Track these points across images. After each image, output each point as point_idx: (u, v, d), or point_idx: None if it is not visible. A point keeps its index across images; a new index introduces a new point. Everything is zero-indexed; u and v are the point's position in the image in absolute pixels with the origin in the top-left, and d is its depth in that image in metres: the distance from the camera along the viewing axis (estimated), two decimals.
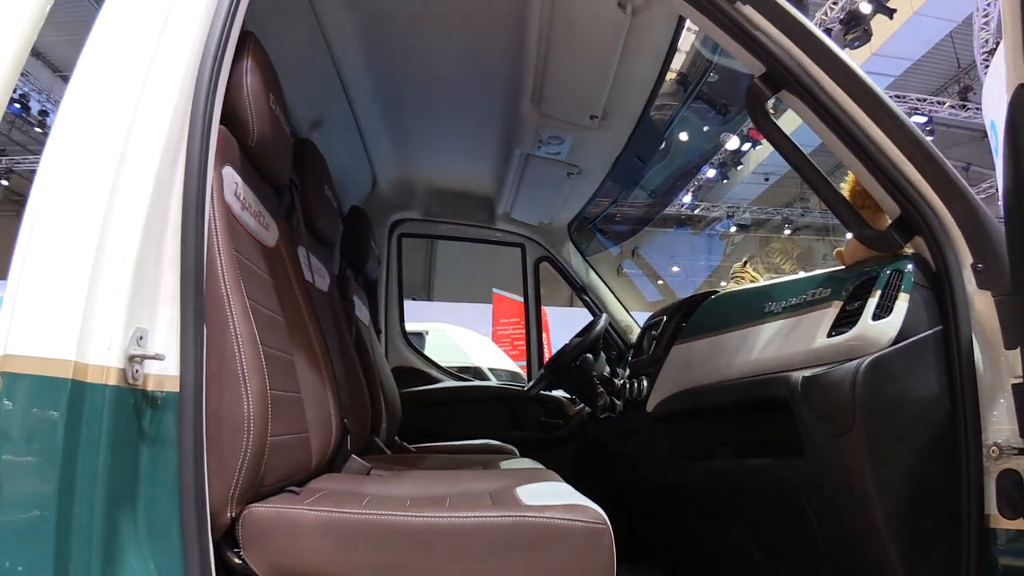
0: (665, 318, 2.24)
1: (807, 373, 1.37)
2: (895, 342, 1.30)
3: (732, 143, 12.85)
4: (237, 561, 1.14)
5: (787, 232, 17.54)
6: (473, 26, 2.21)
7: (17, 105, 11.02)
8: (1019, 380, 1.18)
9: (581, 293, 3.44)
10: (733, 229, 17.34)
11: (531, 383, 2.97)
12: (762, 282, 2.11)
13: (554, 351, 2.79)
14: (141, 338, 1.08)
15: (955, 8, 9.46)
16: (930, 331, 1.31)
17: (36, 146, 12.23)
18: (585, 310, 3.42)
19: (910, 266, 1.36)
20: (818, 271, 1.60)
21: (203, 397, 1.10)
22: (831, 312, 1.44)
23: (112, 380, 1.04)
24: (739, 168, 14.67)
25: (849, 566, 1.41)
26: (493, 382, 7.08)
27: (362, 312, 2.80)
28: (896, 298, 1.33)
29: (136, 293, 1.08)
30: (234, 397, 1.17)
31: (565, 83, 2.30)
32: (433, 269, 16.30)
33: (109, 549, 1.01)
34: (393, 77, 2.50)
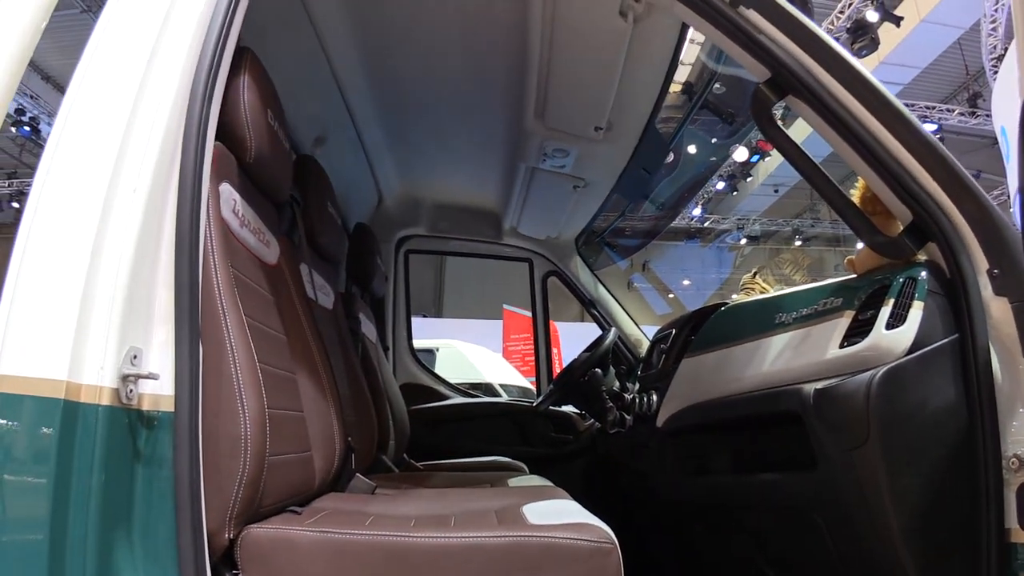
0: (674, 331, 2.20)
1: (819, 385, 1.33)
2: (910, 352, 1.26)
3: (741, 155, 12.81)
4: None
5: (797, 243, 17.45)
6: (474, 40, 2.20)
7: (27, 128, 11.13)
8: None
9: (590, 307, 3.41)
10: (743, 241, 17.28)
11: (540, 399, 2.94)
12: (772, 293, 2.08)
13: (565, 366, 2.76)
14: (135, 357, 1.06)
15: (962, 15, 9.42)
16: (946, 340, 1.27)
17: None
18: (596, 324, 3.39)
19: (924, 273, 1.32)
20: (829, 280, 1.56)
21: (199, 417, 1.08)
22: (843, 322, 1.40)
23: (105, 400, 1.02)
24: (748, 180, 14.63)
25: None
26: (504, 398, 7.06)
27: (369, 329, 2.79)
28: (910, 306, 1.29)
29: (130, 312, 1.07)
30: (231, 416, 1.14)
31: (568, 95, 2.28)
32: (443, 286, 16.30)
33: (104, 571, 0.99)
34: (395, 93, 2.50)
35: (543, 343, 3.60)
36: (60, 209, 1.08)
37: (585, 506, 1.42)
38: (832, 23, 9.41)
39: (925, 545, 1.23)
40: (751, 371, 1.64)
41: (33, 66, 10.74)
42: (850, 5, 9.29)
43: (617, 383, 2.61)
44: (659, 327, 2.55)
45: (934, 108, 11.79)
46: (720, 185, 14.46)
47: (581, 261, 3.45)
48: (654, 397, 2.16)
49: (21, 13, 1.18)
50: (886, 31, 9.22)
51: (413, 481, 2.20)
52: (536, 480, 2.12)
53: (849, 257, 1.56)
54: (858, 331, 1.36)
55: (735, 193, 15.12)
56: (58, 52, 9.45)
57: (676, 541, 2.28)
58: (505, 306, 12.01)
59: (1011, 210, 1.34)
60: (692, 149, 11.60)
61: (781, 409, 1.45)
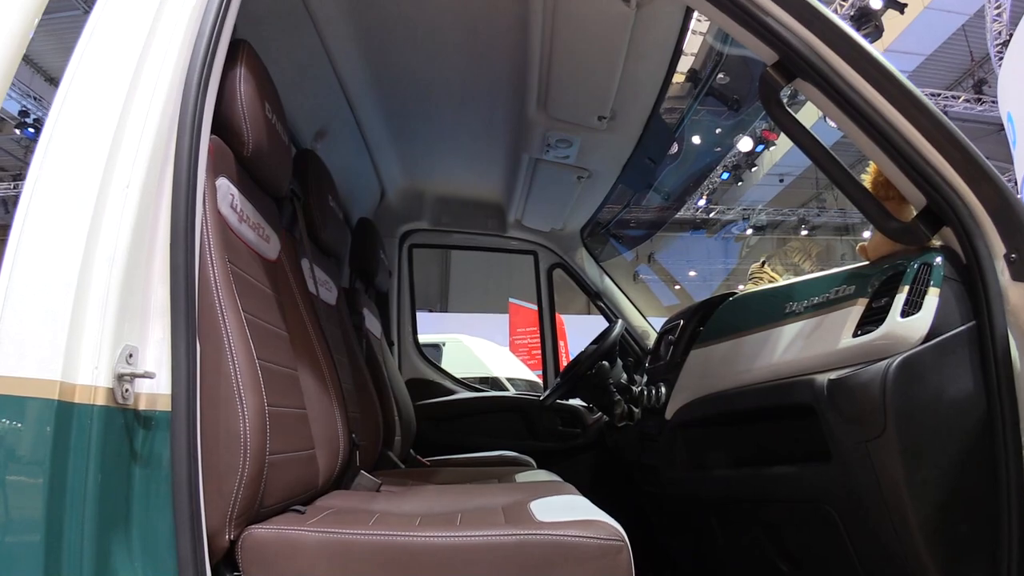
0: (682, 322, 2.17)
1: (833, 376, 1.30)
2: (926, 340, 1.22)
3: (746, 145, 12.74)
4: None
5: (804, 233, 17.35)
6: (475, 30, 2.16)
7: (31, 130, 11.12)
8: None
9: (596, 299, 3.37)
10: (749, 231, 17.19)
11: (547, 392, 2.91)
12: (781, 282, 2.04)
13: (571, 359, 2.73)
14: (131, 356, 1.04)
15: (967, 1, 9.34)
16: (963, 327, 1.23)
17: None
18: (603, 317, 3.36)
19: (939, 259, 1.28)
20: (841, 268, 1.52)
21: (197, 415, 1.05)
22: (856, 310, 1.37)
23: (100, 400, 1.00)
24: (753, 170, 14.55)
25: (882, 575, 1.34)
26: (511, 392, 7.03)
27: (373, 324, 2.76)
28: (925, 293, 1.25)
29: (125, 309, 1.05)
30: (229, 414, 1.12)
31: (571, 84, 2.24)
32: (449, 280, 16.28)
33: (101, 573, 0.97)
34: (395, 85, 2.46)
35: (549, 336, 3.57)
36: (52, 206, 1.06)
37: (594, 501, 1.40)
38: (836, 10, 9.33)
39: (944, 539, 1.20)
40: (761, 362, 1.61)
41: (36, 67, 10.76)
42: None
43: (624, 375, 2.58)
44: (666, 318, 2.52)
45: (939, 95, 11.71)
46: (725, 175, 14.39)
47: (587, 253, 3.41)
48: (662, 389, 2.13)
49: (12, 10, 1.16)
50: (890, 18, 9.15)
51: (419, 477, 2.18)
52: (543, 475, 2.09)
53: (861, 243, 1.52)
54: (872, 319, 1.33)
55: (740, 184, 15.04)
56: (62, 53, 9.43)
57: (687, 535, 2.25)
58: (511, 300, 11.98)
59: (1018, 196, 1.30)
60: (697, 138, 11.55)
61: (793, 400, 1.41)
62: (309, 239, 1.94)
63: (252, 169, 1.48)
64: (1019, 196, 1.30)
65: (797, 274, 1.70)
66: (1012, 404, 1.17)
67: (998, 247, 1.24)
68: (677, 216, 15.84)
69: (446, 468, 2.52)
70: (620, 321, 2.73)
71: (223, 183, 1.33)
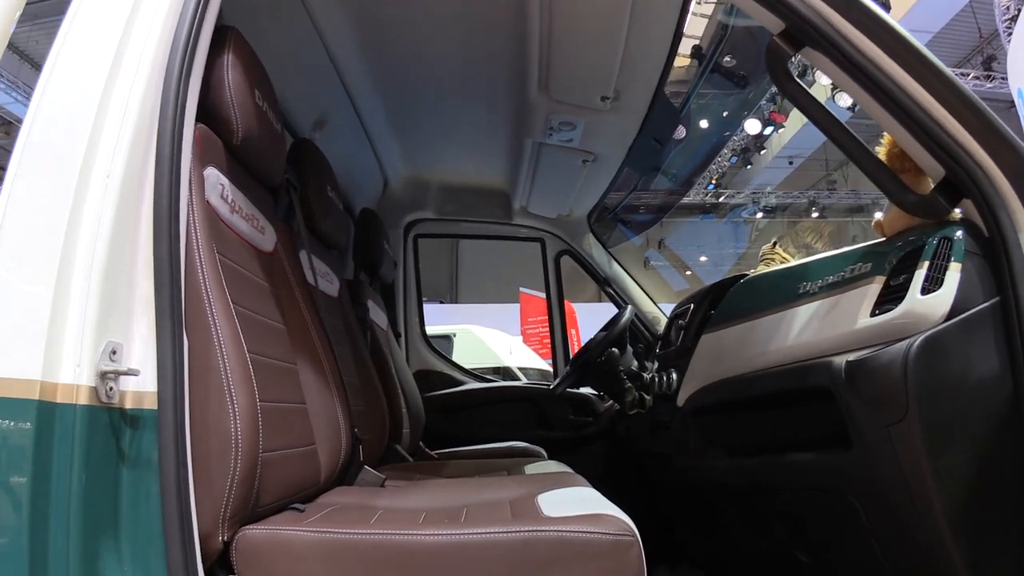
0: (692, 306, 2.11)
1: (851, 357, 1.24)
2: (948, 318, 1.16)
3: (754, 126, 12.60)
4: None
5: (814, 215, 17.17)
6: (471, 13, 2.10)
7: None
8: None
9: (604, 285, 3.32)
10: (759, 215, 17.04)
11: (557, 381, 2.86)
12: (793, 262, 1.98)
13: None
14: (114, 352, 1.00)
15: None
16: (987, 303, 1.17)
17: None
18: (612, 304, 3.30)
19: (960, 232, 1.22)
20: (856, 245, 1.46)
21: (185, 413, 1.01)
22: (873, 288, 1.31)
23: (83, 399, 0.96)
24: (762, 153, 14.41)
25: (906, 565, 1.28)
26: (523, 381, 6.99)
27: (378, 316, 2.72)
28: (946, 269, 1.19)
29: (107, 305, 1.01)
30: (219, 411, 1.07)
31: (572, 64, 2.17)
32: (458, 271, 16.24)
33: None
34: (393, 72, 2.41)
35: (558, 324, 3.52)
36: (30, 198, 1.02)
37: (605, 491, 1.35)
38: None
39: (970, 526, 1.14)
40: (775, 345, 1.55)
41: (35, 65, 10.72)
42: None
43: (635, 362, 2.53)
44: (676, 303, 2.46)
45: None
46: (734, 159, 14.25)
47: (594, 239, 3.35)
48: (674, 376, 2.08)
49: None
50: None
51: (426, 471, 2.14)
52: (553, 466, 2.04)
53: (877, 219, 1.46)
54: (890, 298, 1.26)
55: (749, 167, 14.90)
56: None
57: (700, 525, 2.20)
58: (521, 289, 11.92)
59: None
60: (705, 117, 11.42)
61: (810, 384, 1.36)
62: (307, 230, 1.90)
63: (244, 158, 1.43)
64: None
65: (810, 254, 1.64)
66: None
67: (1021, 218, 1.18)
68: (686, 201, 15.71)
69: (454, 461, 2.47)
70: (629, 307, 2.67)
71: (212, 173, 1.28)
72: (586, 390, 3.09)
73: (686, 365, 1.98)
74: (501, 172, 3.11)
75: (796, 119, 12.74)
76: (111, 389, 0.99)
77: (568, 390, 2.84)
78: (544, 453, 2.64)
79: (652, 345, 2.96)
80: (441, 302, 14.16)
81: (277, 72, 1.57)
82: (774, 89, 11.45)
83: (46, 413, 0.93)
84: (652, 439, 2.32)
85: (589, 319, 6.22)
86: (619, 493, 1.24)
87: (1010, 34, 8.34)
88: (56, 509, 0.92)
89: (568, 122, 2.46)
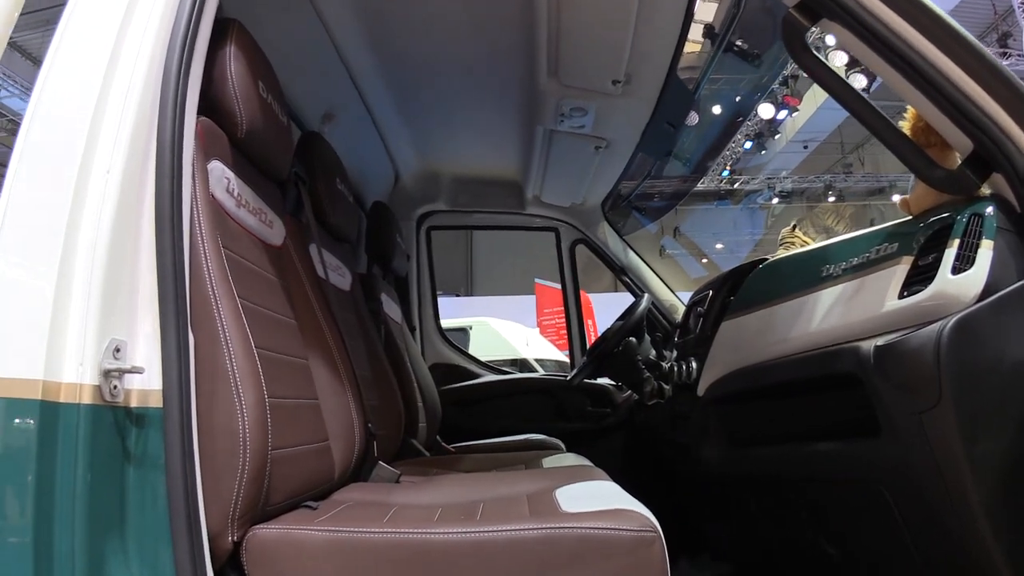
0: (711, 293, 2.06)
1: (879, 342, 1.19)
2: (981, 298, 1.11)
3: (767, 111, 12.44)
4: None
5: (831, 199, 16.93)
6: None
7: None
8: None
9: (620, 274, 3.28)
10: (775, 200, 16.85)
11: (574, 372, 2.82)
12: (814, 245, 1.93)
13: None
14: (118, 350, 0.97)
15: None
16: (1021, 282, 1.11)
17: None
18: (629, 293, 3.26)
19: (990, 208, 1.17)
20: (881, 225, 1.41)
21: (191, 411, 0.99)
22: (901, 269, 1.26)
23: (87, 399, 0.94)
24: (776, 137, 14.24)
25: (940, 559, 1.24)
26: (541, 373, 6.96)
27: (392, 310, 2.69)
28: (978, 247, 1.14)
29: (110, 302, 0.98)
30: (226, 409, 1.05)
31: (582, 48, 2.12)
32: (473, 264, 16.19)
33: None
34: (400, 62, 2.37)
35: (575, 314, 3.48)
36: (30, 195, 1.00)
37: (625, 483, 1.31)
38: None
39: (1009, 517, 1.09)
40: (798, 330, 1.50)
41: (38, 63, 10.77)
42: None
43: (653, 351, 2.49)
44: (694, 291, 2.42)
45: None
46: (748, 144, 14.09)
47: (609, 227, 3.31)
48: (693, 364, 2.03)
49: None
50: None
51: (443, 465, 2.11)
52: (572, 459, 2.00)
53: (903, 196, 1.41)
54: (919, 278, 1.22)
55: (764, 152, 14.73)
56: None
57: (723, 517, 2.16)
58: (537, 280, 11.88)
59: None
60: (719, 98, 11.28)
61: (836, 370, 1.31)
62: (317, 224, 1.87)
63: (249, 152, 1.41)
64: None
65: (830, 238, 1.59)
66: None
67: None
68: (700, 188, 15.55)
69: (471, 455, 2.44)
70: (646, 295, 2.63)
71: (216, 166, 1.25)
72: (603, 381, 3.05)
73: (706, 353, 1.94)
74: (513, 161, 3.07)
75: (810, 102, 12.58)
76: (115, 387, 0.96)
77: (585, 381, 2.80)
78: (562, 445, 2.61)
79: (670, 334, 2.92)
80: (457, 295, 14.14)
81: (282, 65, 1.54)
82: (787, 72, 11.32)
83: (49, 413, 0.91)
84: (672, 429, 2.28)
85: (605, 309, 6.18)
86: (638, 484, 1.20)
87: None
88: (61, 510, 0.90)
89: (579, 108, 2.41)
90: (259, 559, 1.03)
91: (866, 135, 14.97)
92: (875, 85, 9.65)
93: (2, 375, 0.91)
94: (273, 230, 1.51)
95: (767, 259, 1.87)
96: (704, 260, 17.43)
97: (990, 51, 1.20)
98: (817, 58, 1.30)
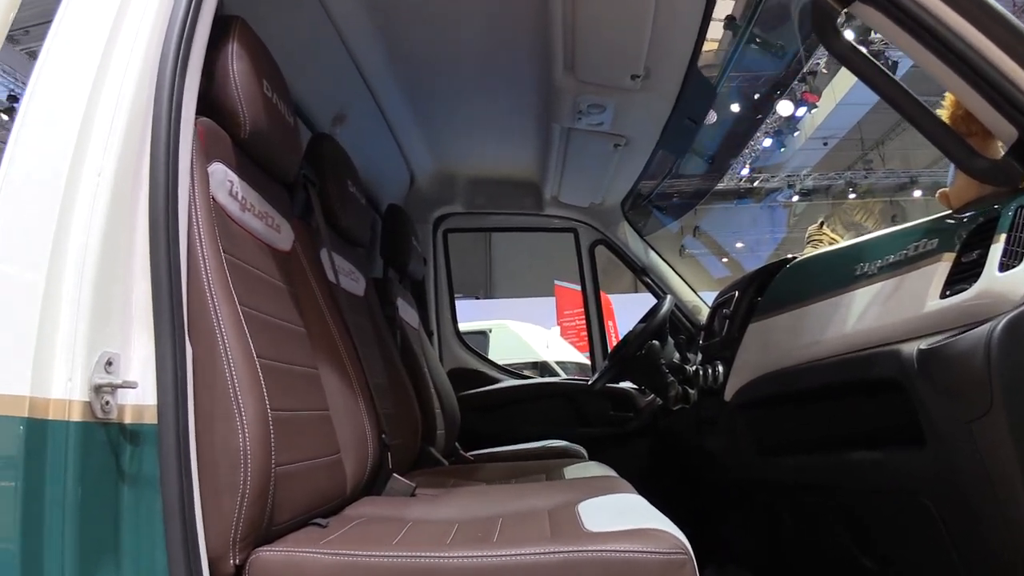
0: (737, 293, 1.98)
1: (923, 345, 1.11)
2: None
3: (786, 108, 12.26)
4: None
5: (852, 197, 16.66)
6: None
7: None
8: None
9: (641, 275, 3.20)
10: (795, 199, 16.62)
11: (595, 376, 2.74)
12: (843, 243, 1.84)
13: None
14: (110, 363, 0.92)
15: None
16: None
17: None
18: (650, 294, 3.18)
19: None
20: (919, 220, 1.33)
21: (189, 428, 0.93)
22: (942, 267, 1.18)
23: (76, 416, 0.88)
24: (795, 135, 14.04)
25: (987, 574, 1.15)
26: (561, 376, 6.87)
27: (409, 315, 2.64)
28: None
29: (101, 312, 0.93)
30: (226, 424, 0.99)
31: (599, 42, 2.04)
32: (492, 266, 16.13)
33: None
34: (414, 65, 2.32)
35: (595, 316, 3.41)
36: (17, 197, 0.95)
37: (649, 489, 1.24)
38: None
39: None
40: (831, 333, 1.42)
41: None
42: None
43: (677, 354, 2.41)
44: (718, 292, 2.33)
45: None
46: (767, 142, 13.91)
47: (629, 227, 3.23)
48: (720, 368, 1.95)
49: None
50: None
51: (461, 475, 2.05)
52: (595, 468, 1.93)
53: (942, 189, 1.33)
54: (963, 276, 1.13)
55: (783, 150, 14.54)
56: None
57: (752, 526, 2.07)
58: (556, 282, 11.79)
59: None
60: (741, 93, 11.11)
61: (874, 375, 1.23)
62: (328, 227, 1.81)
63: (254, 153, 1.35)
64: None
65: (859, 234, 1.51)
66: None
67: None
68: (719, 186, 15.36)
69: (491, 463, 2.38)
70: (669, 296, 2.55)
71: (218, 169, 1.20)
72: (625, 384, 2.97)
73: (733, 357, 1.86)
74: (530, 161, 3.00)
75: (828, 99, 12.39)
76: (107, 403, 0.91)
77: (607, 385, 2.73)
78: (584, 452, 2.54)
79: (694, 336, 2.84)
80: (476, 298, 14.08)
81: (289, 63, 1.49)
82: (806, 68, 11.14)
83: (36, 431, 0.86)
84: (698, 435, 2.20)
85: (625, 310, 6.08)
86: (662, 491, 1.12)
87: None
88: (50, 533, 0.85)
89: (597, 104, 2.33)
90: None
91: (886, 131, 14.75)
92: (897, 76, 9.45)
93: None
94: (281, 234, 1.46)
95: (795, 257, 1.79)
96: (724, 260, 17.24)
97: None
98: (850, 43, 1.22)
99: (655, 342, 2.34)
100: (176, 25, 1.05)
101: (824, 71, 11.08)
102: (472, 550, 0.94)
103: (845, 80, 11.78)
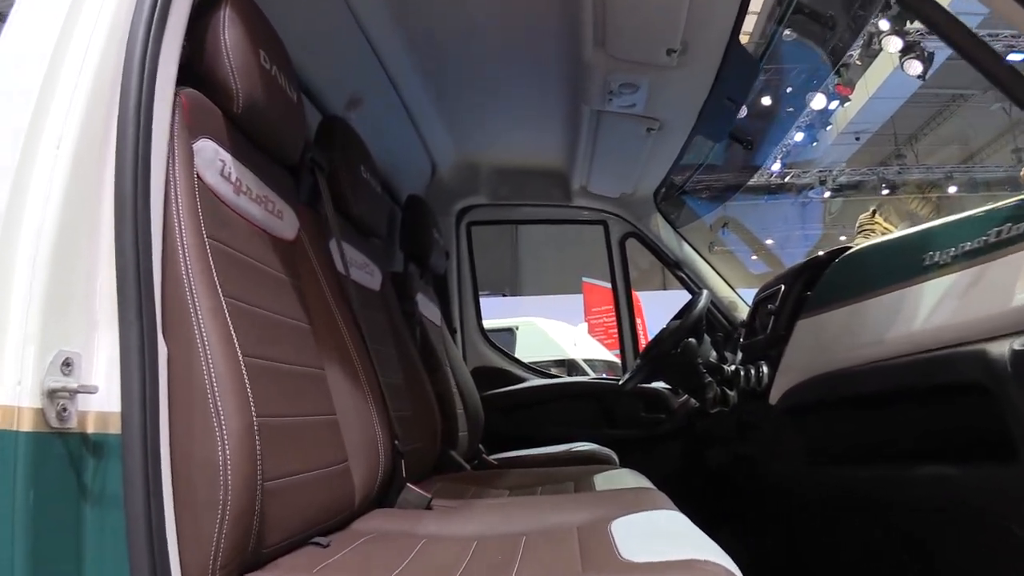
0: (783, 287, 1.81)
1: (1017, 344, 0.95)
2: None
3: (819, 102, 11.92)
4: None
5: (885, 192, 16.18)
6: None
7: None
8: None
9: (675, 269, 3.03)
10: (827, 194, 16.22)
11: (627, 376, 2.59)
12: (898, 232, 1.67)
13: (650, 339, 2.40)
14: (67, 364, 0.79)
15: None
16: None
17: None
18: (680, 292, 3.01)
19: None
20: (1002, 202, 1.16)
21: (159, 438, 0.81)
22: None
23: (27, 425, 0.76)
24: (828, 128, 13.67)
25: None
26: (590, 374, 6.72)
27: (429, 310, 2.51)
28: None
29: (58, 305, 0.80)
30: (205, 434, 0.86)
31: (632, 14, 1.87)
32: (519, 262, 15.95)
33: None
34: (433, 46, 2.17)
35: (626, 313, 3.25)
36: None
37: (681, 497, 1.10)
38: None
39: None
40: (896, 330, 1.26)
41: None
42: None
43: (714, 353, 2.24)
44: (756, 289, 2.16)
45: (1021, 36, 10.69)
46: (799, 136, 13.56)
47: (662, 218, 3.07)
48: (764, 369, 1.79)
49: None
50: None
51: (482, 482, 1.91)
52: (628, 477, 1.77)
53: None
54: None
55: (815, 144, 14.18)
56: None
57: (797, 540, 1.91)
58: (584, 279, 11.63)
59: None
60: (785, 73, 10.76)
61: (953, 379, 1.07)
62: (339, 216, 1.68)
63: (250, 130, 1.22)
64: None
65: (914, 224, 1.35)
66: None
67: None
68: (749, 183, 15.00)
69: (515, 469, 2.23)
70: (705, 292, 2.39)
71: (206, 146, 1.07)
72: (657, 384, 2.82)
73: (779, 356, 1.70)
74: (558, 149, 2.85)
75: (861, 92, 12.05)
76: (64, 410, 0.78)
77: (638, 385, 2.57)
78: (615, 457, 2.39)
79: (731, 334, 2.67)
80: (503, 295, 13.94)
81: (297, 42, 1.38)
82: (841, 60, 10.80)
83: None
84: (738, 440, 2.04)
85: (654, 309, 5.91)
86: (696, 497, 0.98)
87: None
88: None
89: (630, 83, 2.16)
90: None
91: (919, 126, 14.34)
92: (931, 71, 9.14)
93: None
94: (283, 221, 1.33)
95: (849, 247, 1.62)
96: (753, 257, 16.88)
97: None
98: None
99: (691, 340, 2.18)
100: None
101: (857, 63, 10.76)
102: None
103: (878, 73, 11.46)
